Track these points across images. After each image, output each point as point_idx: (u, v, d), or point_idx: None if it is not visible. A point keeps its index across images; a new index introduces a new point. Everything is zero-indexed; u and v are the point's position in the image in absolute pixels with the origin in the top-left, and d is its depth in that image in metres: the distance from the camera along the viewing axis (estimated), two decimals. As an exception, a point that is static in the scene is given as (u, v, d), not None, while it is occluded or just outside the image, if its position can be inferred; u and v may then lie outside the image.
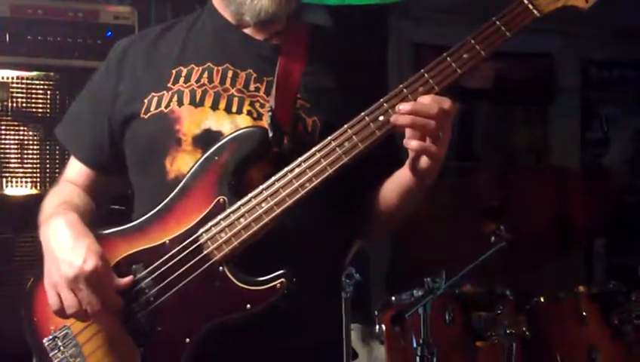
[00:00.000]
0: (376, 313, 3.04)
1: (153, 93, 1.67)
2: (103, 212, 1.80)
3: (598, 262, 4.74)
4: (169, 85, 1.67)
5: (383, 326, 2.98)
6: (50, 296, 1.55)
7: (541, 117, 5.11)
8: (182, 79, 1.67)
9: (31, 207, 2.99)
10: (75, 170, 1.81)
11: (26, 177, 3.11)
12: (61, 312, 1.55)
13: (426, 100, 1.47)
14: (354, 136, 1.51)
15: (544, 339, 2.92)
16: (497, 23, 1.52)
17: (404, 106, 1.48)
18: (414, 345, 2.79)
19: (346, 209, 1.74)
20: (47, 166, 3.13)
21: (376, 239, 1.99)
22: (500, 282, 2.98)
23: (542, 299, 2.97)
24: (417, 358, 2.71)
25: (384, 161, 1.64)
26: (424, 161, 1.52)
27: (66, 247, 1.54)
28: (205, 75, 1.67)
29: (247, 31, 1.72)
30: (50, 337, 1.64)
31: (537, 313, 2.95)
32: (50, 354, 1.63)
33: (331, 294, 1.82)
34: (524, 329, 2.86)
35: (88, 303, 1.51)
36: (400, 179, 1.63)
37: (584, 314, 2.90)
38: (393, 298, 2.97)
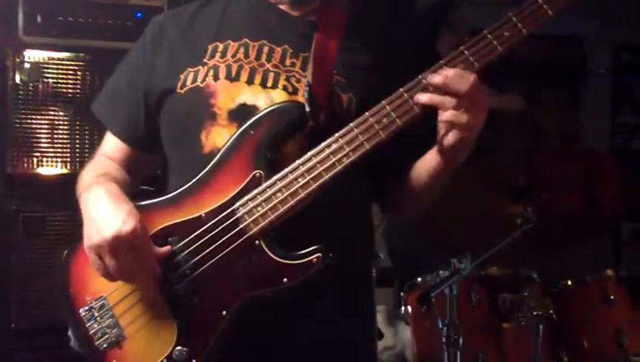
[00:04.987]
0: (401, 294, 3.05)
1: (189, 69, 1.68)
2: (132, 191, 1.81)
3: (626, 246, 4.72)
4: (205, 60, 1.68)
5: (409, 307, 3.00)
6: (92, 259, 1.57)
7: (571, 100, 5.08)
8: (218, 54, 1.68)
9: (62, 185, 3.09)
10: (111, 146, 1.83)
11: (57, 157, 3.15)
12: (107, 275, 1.56)
13: (450, 72, 1.47)
14: (392, 112, 1.51)
15: (571, 322, 2.93)
16: (539, 1, 1.51)
17: (437, 79, 1.48)
18: (440, 326, 2.80)
19: (376, 186, 1.75)
20: (78, 146, 3.17)
21: (406, 218, 1.99)
22: (526, 264, 2.99)
23: (569, 282, 2.97)
24: (443, 339, 2.72)
25: (418, 141, 1.64)
26: (453, 136, 1.51)
27: (105, 212, 1.56)
28: (241, 50, 1.67)
29: (283, 7, 1.72)
30: (87, 308, 1.65)
31: (564, 295, 2.96)
32: (87, 325, 1.65)
33: (363, 270, 1.83)
34: (550, 311, 2.87)
35: (127, 266, 1.53)
36: (429, 159, 1.64)
37: (611, 297, 2.91)
38: (419, 279, 2.98)
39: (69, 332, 1.71)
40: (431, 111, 1.52)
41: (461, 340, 2.69)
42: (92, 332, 1.64)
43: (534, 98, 4.97)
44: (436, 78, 1.48)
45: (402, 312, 3.06)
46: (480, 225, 2.99)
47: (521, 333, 2.83)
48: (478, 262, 2.75)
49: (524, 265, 2.98)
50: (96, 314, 1.65)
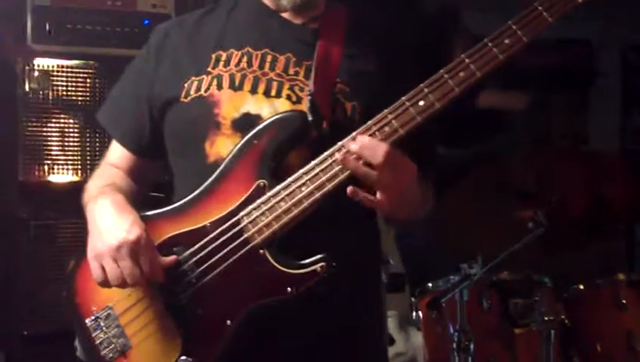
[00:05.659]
0: (412, 299, 3.04)
1: (193, 78, 1.68)
2: (140, 198, 1.82)
3: (639, 249, 4.68)
4: (209, 69, 1.68)
5: (420, 313, 2.98)
6: (93, 268, 1.57)
7: (580, 103, 5.06)
8: (221, 63, 1.68)
9: (73, 193, 3.09)
10: (117, 154, 1.83)
11: (68, 164, 3.17)
12: (105, 283, 1.56)
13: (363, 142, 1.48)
14: (394, 121, 1.50)
15: (582, 326, 2.90)
16: (539, 8, 1.51)
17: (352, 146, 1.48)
18: (451, 331, 2.79)
19: None
20: (88, 153, 3.19)
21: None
22: (538, 269, 2.97)
23: (581, 287, 2.95)
24: (454, 344, 2.71)
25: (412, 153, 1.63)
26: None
27: (110, 221, 1.57)
28: (244, 59, 1.67)
29: (285, 15, 1.72)
30: (93, 318, 1.66)
31: (576, 300, 2.93)
32: (93, 335, 1.65)
33: (370, 278, 1.82)
34: (562, 316, 2.85)
35: (130, 274, 1.53)
36: None
37: (623, 301, 2.88)
38: (430, 284, 2.97)
39: (76, 343, 1.72)
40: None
41: (472, 346, 2.68)
42: (98, 342, 1.65)
43: (543, 101, 4.94)
44: (352, 145, 1.48)
45: (414, 318, 3.05)
46: (491, 229, 2.97)
47: (533, 339, 2.81)
48: (488, 267, 2.73)
49: (536, 269, 2.96)
50: (102, 324, 1.65)
